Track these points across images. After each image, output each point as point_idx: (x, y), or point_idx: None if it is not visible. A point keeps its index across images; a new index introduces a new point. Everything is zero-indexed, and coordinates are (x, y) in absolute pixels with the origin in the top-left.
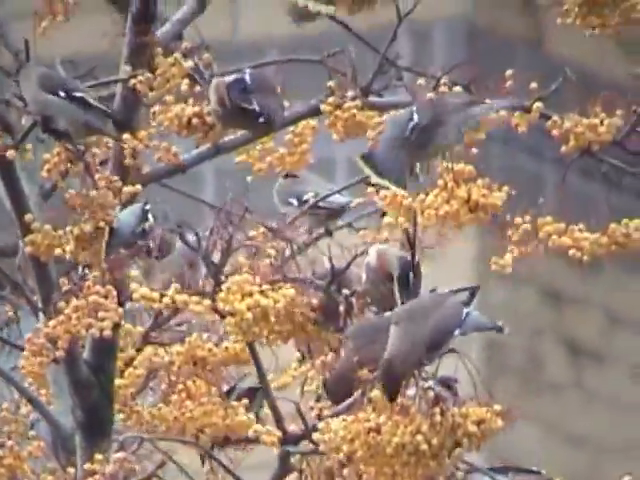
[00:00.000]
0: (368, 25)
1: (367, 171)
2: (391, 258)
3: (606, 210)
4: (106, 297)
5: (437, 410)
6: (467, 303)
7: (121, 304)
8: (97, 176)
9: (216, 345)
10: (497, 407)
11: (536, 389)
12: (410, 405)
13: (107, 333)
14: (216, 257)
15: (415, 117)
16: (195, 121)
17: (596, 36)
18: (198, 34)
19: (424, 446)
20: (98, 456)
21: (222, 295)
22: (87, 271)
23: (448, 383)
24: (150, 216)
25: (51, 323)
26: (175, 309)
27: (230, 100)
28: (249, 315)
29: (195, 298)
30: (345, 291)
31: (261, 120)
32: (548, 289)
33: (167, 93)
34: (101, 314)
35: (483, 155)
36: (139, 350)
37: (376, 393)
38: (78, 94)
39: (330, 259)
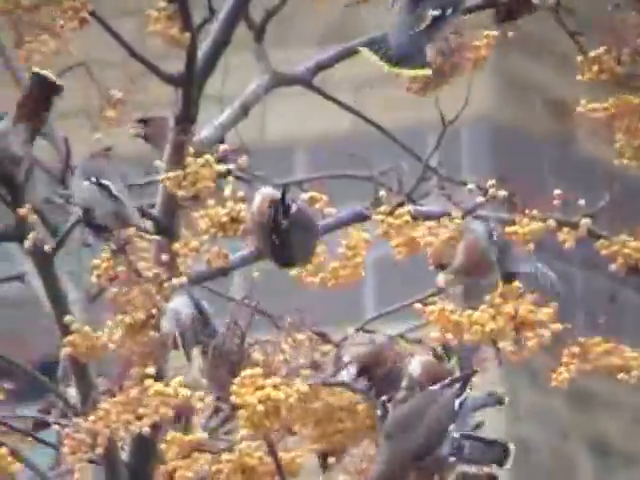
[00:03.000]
0: (395, 125)
1: (375, 59)
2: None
3: None
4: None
5: None
6: (459, 394)
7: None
8: (141, 266)
9: (266, 454)
10: None
11: None
12: None
13: (146, 430)
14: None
15: None
16: (227, 222)
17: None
18: (236, 137)
19: None
20: None
21: (235, 388)
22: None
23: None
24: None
25: (91, 418)
26: (226, 417)
27: (271, 222)
28: (260, 408)
29: (199, 394)
30: (384, 397)
31: (283, 261)
32: (576, 389)
33: (198, 194)
34: (141, 410)
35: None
36: (186, 457)
37: None
38: (105, 182)
39: (358, 357)
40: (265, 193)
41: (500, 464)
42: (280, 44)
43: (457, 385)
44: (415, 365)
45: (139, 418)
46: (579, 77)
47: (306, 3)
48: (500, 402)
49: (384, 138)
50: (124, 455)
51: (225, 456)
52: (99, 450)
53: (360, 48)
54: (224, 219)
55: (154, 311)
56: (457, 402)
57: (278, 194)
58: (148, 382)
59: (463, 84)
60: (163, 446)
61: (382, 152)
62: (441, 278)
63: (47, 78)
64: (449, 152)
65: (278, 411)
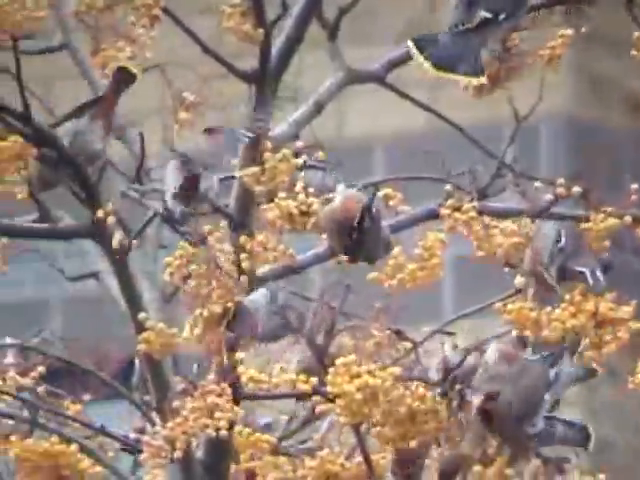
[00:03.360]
0: (472, 122)
1: (421, 60)
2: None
3: None
4: (220, 395)
5: None
6: (553, 364)
7: (237, 402)
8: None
9: (348, 459)
10: None
11: None
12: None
13: (223, 433)
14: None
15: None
16: (296, 215)
17: None
18: (311, 133)
19: None
20: None
21: (330, 377)
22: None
23: (560, 464)
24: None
25: (169, 425)
26: (305, 420)
27: (358, 222)
28: (359, 396)
29: (302, 377)
30: (458, 386)
31: (363, 258)
32: None
33: (275, 189)
34: (217, 414)
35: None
36: (260, 459)
37: (478, 468)
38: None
39: (444, 354)
40: (349, 195)
41: (584, 446)
42: (360, 42)
43: (552, 357)
44: (491, 353)
45: (217, 420)
46: None
47: (386, 1)
48: (593, 374)
49: (460, 135)
50: (199, 453)
51: (308, 462)
52: (177, 454)
53: (409, 44)
54: (294, 211)
55: (230, 305)
56: (552, 372)
57: (364, 198)
58: (241, 369)
59: (541, 80)
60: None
61: (458, 149)
62: (518, 279)
63: (128, 69)
64: (527, 149)
65: (376, 397)
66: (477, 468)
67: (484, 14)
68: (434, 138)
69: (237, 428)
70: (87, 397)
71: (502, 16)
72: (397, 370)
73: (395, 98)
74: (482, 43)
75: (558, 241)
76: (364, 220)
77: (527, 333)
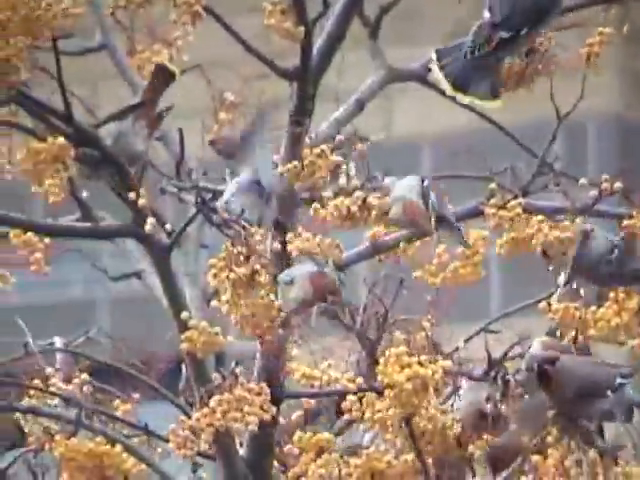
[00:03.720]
0: (517, 120)
1: (440, 78)
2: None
3: None
4: (259, 394)
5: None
6: (624, 376)
7: (276, 401)
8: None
9: (395, 458)
10: None
11: None
12: (570, 468)
13: (252, 428)
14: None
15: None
16: (356, 212)
17: None
18: (353, 130)
19: None
20: None
21: (380, 367)
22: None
23: (615, 453)
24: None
25: (195, 416)
26: (350, 421)
27: (426, 205)
28: (408, 386)
29: (348, 375)
30: (505, 376)
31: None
32: None
33: (315, 186)
34: (246, 409)
35: None
36: (314, 459)
37: (537, 458)
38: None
39: (487, 348)
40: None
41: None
42: (407, 42)
43: (623, 369)
44: (536, 345)
45: (246, 415)
46: None
47: (433, 1)
48: None
49: (504, 134)
50: (242, 450)
51: (353, 460)
52: (204, 446)
53: (432, 56)
54: (353, 208)
55: (257, 267)
56: (618, 379)
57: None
58: (292, 365)
59: (589, 80)
60: (291, 447)
61: (503, 148)
62: (561, 278)
63: (169, 69)
64: (575, 148)
65: (426, 388)
66: (535, 458)
67: (503, 34)
68: (479, 137)
69: (297, 434)
70: (137, 396)
71: (524, 32)
72: (448, 363)
73: (441, 97)
74: (502, 60)
75: (612, 249)
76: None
77: (572, 332)
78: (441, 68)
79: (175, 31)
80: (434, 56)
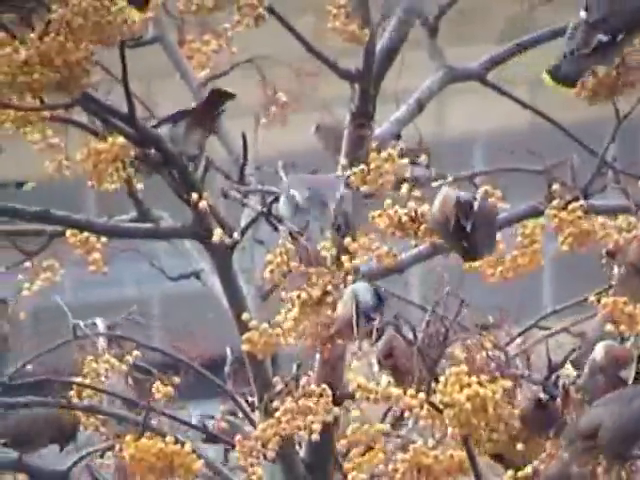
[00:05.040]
0: (571, 120)
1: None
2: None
3: None
4: (321, 395)
5: None
6: None
7: (337, 403)
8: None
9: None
10: None
11: None
12: None
13: (315, 437)
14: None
15: None
16: (407, 222)
17: None
18: (416, 135)
19: None
20: None
21: (440, 387)
22: (300, 371)
23: None
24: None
25: (261, 426)
26: (399, 415)
27: (455, 221)
28: (468, 405)
29: (411, 392)
30: (564, 382)
31: (470, 257)
32: None
33: (381, 190)
34: (310, 417)
35: None
36: (364, 454)
37: None
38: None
39: (548, 354)
40: (445, 194)
41: None
42: (463, 41)
43: None
44: (599, 349)
45: (310, 423)
46: None
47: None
48: None
49: (561, 133)
50: (301, 453)
51: (400, 455)
52: (270, 454)
53: (544, 76)
54: (404, 219)
55: (329, 288)
56: None
57: (457, 195)
58: (349, 376)
59: None
60: (341, 443)
61: (560, 147)
62: (615, 274)
63: (225, 92)
64: (632, 148)
65: (485, 408)
66: None
67: (601, 37)
68: (535, 136)
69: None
70: (191, 395)
71: (620, 37)
72: (508, 383)
73: (497, 96)
74: (597, 64)
75: None
76: (461, 219)
77: (622, 328)
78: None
79: (225, 22)
80: (547, 77)
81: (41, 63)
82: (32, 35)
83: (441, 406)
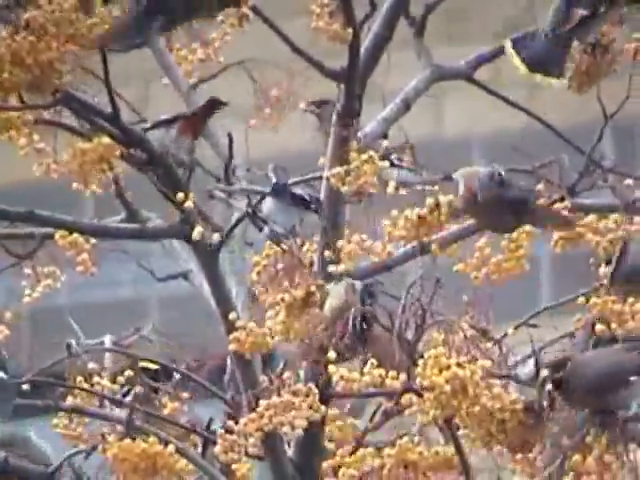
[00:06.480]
0: (568, 121)
1: (516, 60)
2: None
3: None
4: (307, 395)
5: None
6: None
7: (326, 401)
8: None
9: (427, 449)
10: None
11: None
12: (611, 462)
13: (298, 432)
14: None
15: None
16: (426, 214)
17: None
18: (402, 133)
19: None
20: None
21: (419, 370)
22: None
23: None
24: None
25: (242, 420)
26: (389, 413)
27: (484, 191)
28: (447, 388)
29: (392, 374)
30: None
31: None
32: None
33: (361, 190)
34: (293, 413)
35: None
36: (353, 452)
37: (576, 458)
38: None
39: (534, 351)
40: (468, 172)
41: None
42: (457, 41)
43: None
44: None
45: (292, 419)
46: None
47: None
48: None
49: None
50: (289, 451)
51: (387, 451)
52: (252, 449)
53: (506, 43)
54: (424, 213)
55: (313, 288)
56: None
57: (479, 170)
58: (331, 368)
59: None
60: (329, 442)
61: (558, 148)
62: (602, 272)
63: (221, 101)
64: (624, 149)
65: (465, 390)
66: (575, 457)
67: (583, 12)
68: (534, 137)
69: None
70: (186, 395)
71: (602, 9)
72: (487, 363)
73: (491, 96)
74: (579, 40)
75: None
76: (480, 192)
77: (613, 326)
78: (517, 53)
79: (213, 30)
80: (509, 44)
81: (12, 62)
82: (3, 33)
83: (421, 390)
